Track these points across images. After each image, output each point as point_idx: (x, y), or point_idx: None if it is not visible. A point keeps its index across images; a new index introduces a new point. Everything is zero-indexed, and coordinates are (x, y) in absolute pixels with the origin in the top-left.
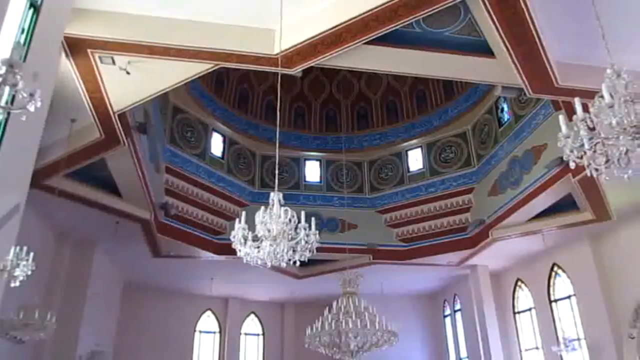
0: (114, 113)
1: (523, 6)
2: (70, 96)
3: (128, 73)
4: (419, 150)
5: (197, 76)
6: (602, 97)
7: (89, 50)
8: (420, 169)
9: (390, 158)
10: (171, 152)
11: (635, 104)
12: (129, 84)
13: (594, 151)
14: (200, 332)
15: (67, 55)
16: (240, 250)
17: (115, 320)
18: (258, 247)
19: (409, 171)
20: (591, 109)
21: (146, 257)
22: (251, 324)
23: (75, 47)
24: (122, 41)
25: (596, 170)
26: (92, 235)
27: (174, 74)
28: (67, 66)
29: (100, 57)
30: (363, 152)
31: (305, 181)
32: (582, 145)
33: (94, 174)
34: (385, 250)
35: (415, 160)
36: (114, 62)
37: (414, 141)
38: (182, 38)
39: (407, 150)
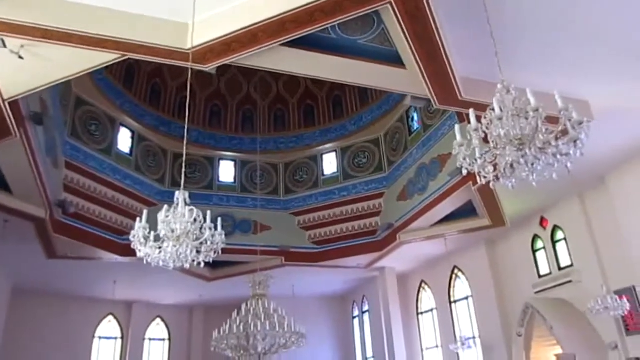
0: (3, 101)
1: (432, 23)
2: None
3: (21, 58)
4: (333, 154)
5: (102, 66)
6: (493, 110)
7: None
8: (334, 173)
9: (305, 161)
10: (72, 146)
11: (520, 118)
12: (22, 70)
13: (485, 160)
14: (100, 338)
15: None
16: (140, 251)
17: (1, 329)
18: (160, 247)
19: (323, 174)
20: (483, 121)
21: (40, 259)
22: (156, 329)
23: None
24: (13, 22)
25: (485, 178)
26: None
27: (76, 62)
28: None
29: None
30: (279, 154)
31: (218, 181)
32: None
33: None
34: (298, 253)
35: (330, 164)
36: (4, 45)
37: (329, 145)
38: (85, 24)
39: (322, 154)
